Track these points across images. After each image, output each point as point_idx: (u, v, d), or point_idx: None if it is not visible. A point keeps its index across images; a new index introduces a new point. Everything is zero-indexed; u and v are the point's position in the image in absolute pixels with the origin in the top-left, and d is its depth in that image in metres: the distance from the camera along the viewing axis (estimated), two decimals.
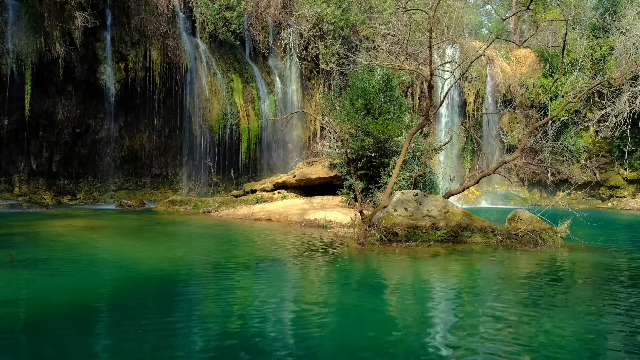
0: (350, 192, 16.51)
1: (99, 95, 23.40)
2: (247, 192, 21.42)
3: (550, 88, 14.38)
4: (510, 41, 31.40)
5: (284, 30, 28.14)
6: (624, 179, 29.87)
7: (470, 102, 31.19)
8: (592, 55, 29.40)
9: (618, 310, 5.94)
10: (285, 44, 28.11)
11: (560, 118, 28.71)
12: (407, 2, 14.35)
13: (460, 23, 31.09)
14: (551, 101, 29.15)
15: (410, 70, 13.57)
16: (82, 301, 6.01)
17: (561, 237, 11.49)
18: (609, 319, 5.54)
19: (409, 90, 30.38)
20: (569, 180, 29.65)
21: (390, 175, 12.95)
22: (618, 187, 30.09)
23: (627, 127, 27.03)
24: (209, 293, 6.50)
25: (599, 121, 27.98)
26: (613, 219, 21.23)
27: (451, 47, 30.05)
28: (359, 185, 14.85)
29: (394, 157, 15.16)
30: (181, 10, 25.49)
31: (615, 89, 27.10)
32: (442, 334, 5.02)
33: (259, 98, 26.98)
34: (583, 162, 30.57)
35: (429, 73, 11.51)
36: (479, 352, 4.49)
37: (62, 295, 6.27)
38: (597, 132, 29.81)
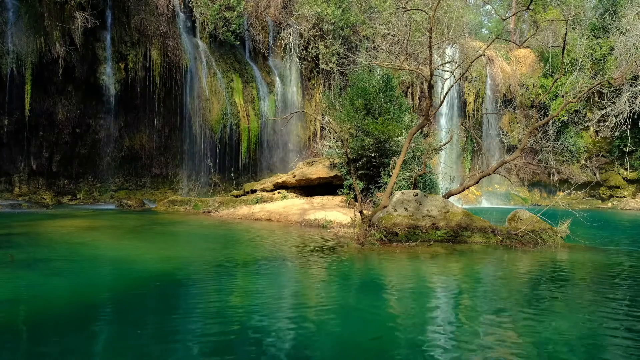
0: (350, 192, 16.52)
1: (99, 95, 23.40)
2: (247, 192, 21.43)
3: (550, 88, 14.38)
4: (510, 41, 31.39)
5: (284, 30, 28.14)
6: (624, 179, 29.87)
7: (470, 102, 31.19)
8: (592, 55, 29.38)
9: (618, 310, 5.93)
10: (285, 44, 28.11)
11: (560, 118, 28.69)
12: (407, 2, 14.34)
13: (460, 23, 31.07)
14: (551, 101, 29.14)
15: (410, 70, 13.56)
16: (82, 301, 6.01)
17: (561, 237, 11.49)
18: (609, 319, 5.53)
19: (409, 90, 30.38)
20: (569, 180, 29.63)
21: (390, 175, 12.95)
22: (618, 187, 30.08)
23: (627, 127, 27.02)
24: (209, 293, 6.49)
25: (599, 121, 27.97)
26: (613, 219, 21.23)
27: (451, 47, 30.04)
28: (359, 185, 14.86)
29: (394, 157, 15.16)
30: (181, 10, 25.49)
31: (615, 89, 27.09)
32: (442, 334, 5.02)
33: (259, 98, 26.98)
34: (583, 162, 30.56)
35: (429, 73, 11.51)
36: (479, 352, 4.49)
37: (62, 295, 6.26)
38: (597, 132, 29.81)
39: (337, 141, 18.80)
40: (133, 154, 25.32)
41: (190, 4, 25.71)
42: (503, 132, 31.53)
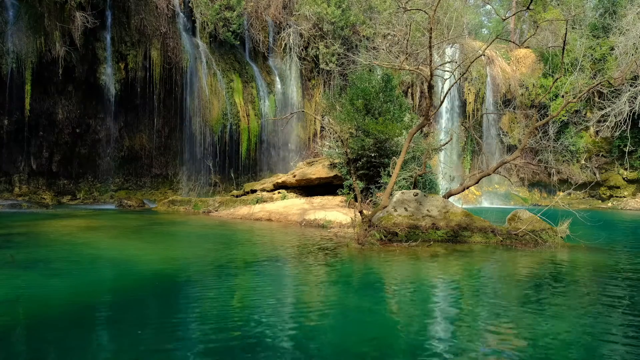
0: (350, 192, 16.52)
1: (99, 95, 23.41)
2: (247, 192, 21.43)
3: (550, 88, 14.37)
4: (510, 41, 31.39)
5: (284, 30, 28.14)
6: (624, 179, 29.86)
7: (470, 102, 31.19)
8: (592, 55, 29.38)
9: (618, 310, 5.93)
10: (285, 44, 28.11)
11: (560, 118, 28.70)
12: (407, 2, 14.34)
13: (460, 23, 31.08)
14: (551, 101, 29.14)
15: (410, 70, 13.56)
16: (82, 301, 6.01)
17: (561, 237, 11.49)
18: (609, 319, 5.53)
19: (409, 90, 30.38)
20: (569, 180, 29.64)
21: (390, 175, 12.95)
22: (618, 187, 30.08)
23: (627, 127, 27.03)
24: (209, 293, 6.49)
25: (599, 121, 27.97)
26: (613, 219, 21.23)
27: (451, 47, 30.05)
28: (359, 185, 14.86)
29: (394, 157, 15.16)
30: (181, 10, 25.49)
31: (615, 89, 27.09)
32: (442, 334, 5.02)
33: (259, 98, 26.98)
34: (583, 162, 30.56)
35: (429, 73, 11.51)
36: (479, 352, 4.49)
37: (62, 295, 6.26)
38: (597, 132, 29.81)
39: (337, 141, 18.80)
40: (133, 154, 25.31)
41: (190, 4, 25.71)
42: (503, 132, 31.54)
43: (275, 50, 28.32)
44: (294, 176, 20.14)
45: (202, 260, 9.16)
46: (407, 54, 15.47)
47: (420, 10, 15.48)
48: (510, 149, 31.09)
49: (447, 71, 18.88)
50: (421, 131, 17.48)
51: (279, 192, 20.31)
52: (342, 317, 5.57)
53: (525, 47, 33.11)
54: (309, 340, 4.75)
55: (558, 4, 31.68)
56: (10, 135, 21.87)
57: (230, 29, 26.03)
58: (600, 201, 30.18)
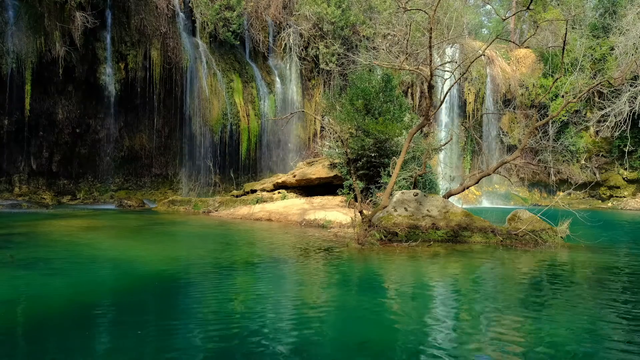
0: (350, 192, 16.52)
1: (99, 95, 23.40)
2: (247, 192, 21.43)
3: (550, 88, 14.36)
4: (510, 41, 31.38)
5: (284, 30, 28.14)
6: (624, 179, 29.86)
7: (470, 102, 31.18)
8: (592, 55, 29.38)
9: (618, 310, 5.93)
10: (285, 44, 28.11)
11: (560, 118, 28.69)
12: (407, 2, 14.35)
13: (460, 23, 31.07)
14: (551, 101, 29.14)
15: (410, 70, 13.56)
16: (82, 301, 6.01)
17: (561, 237, 11.49)
18: (609, 319, 5.54)
19: (409, 90, 30.37)
20: (569, 180, 29.63)
21: (390, 175, 12.94)
22: (618, 187, 30.08)
23: (627, 127, 27.02)
24: (209, 293, 6.50)
25: (599, 121, 27.97)
26: (613, 219, 21.23)
27: (451, 47, 30.04)
28: (359, 185, 14.85)
29: (394, 157, 15.15)
30: (181, 10, 25.49)
31: (615, 89, 27.08)
32: (442, 334, 5.02)
33: (259, 98, 26.98)
34: (583, 162, 30.55)
35: (429, 73, 11.50)
36: (479, 352, 4.49)
37: (62, 295, 6.26)
38: (597, 132, 29.80)
39: (337, 141, 18.80)
40: (133, 154, 25.31)
41: (190, 4, 25.70)
42: (503, 132, 31.52)
43: (275, 50, 28.32)
44: (294, 176, 20.14)
45: (202, 260, 9.16)
46: (407, 54, 15.47)
47: (420, 10, 15.49)
48: (510, 149, 31.08)
49: (447, 71, 18.88)
50: (421, 131, 17.48)
51: (279, 192, 20.31)
52: (342, 318, 5.57)
53: (525, 47, 33.10)
54: (309, 340, 4.75)
55: (558, 4, 31.67)
56: (10, 135, 21.87)
57: (230, 29, 26.03)
58: (600, 201, 30.17)
